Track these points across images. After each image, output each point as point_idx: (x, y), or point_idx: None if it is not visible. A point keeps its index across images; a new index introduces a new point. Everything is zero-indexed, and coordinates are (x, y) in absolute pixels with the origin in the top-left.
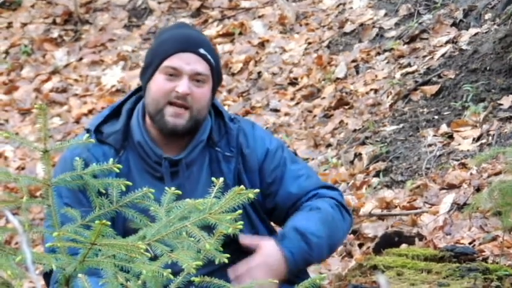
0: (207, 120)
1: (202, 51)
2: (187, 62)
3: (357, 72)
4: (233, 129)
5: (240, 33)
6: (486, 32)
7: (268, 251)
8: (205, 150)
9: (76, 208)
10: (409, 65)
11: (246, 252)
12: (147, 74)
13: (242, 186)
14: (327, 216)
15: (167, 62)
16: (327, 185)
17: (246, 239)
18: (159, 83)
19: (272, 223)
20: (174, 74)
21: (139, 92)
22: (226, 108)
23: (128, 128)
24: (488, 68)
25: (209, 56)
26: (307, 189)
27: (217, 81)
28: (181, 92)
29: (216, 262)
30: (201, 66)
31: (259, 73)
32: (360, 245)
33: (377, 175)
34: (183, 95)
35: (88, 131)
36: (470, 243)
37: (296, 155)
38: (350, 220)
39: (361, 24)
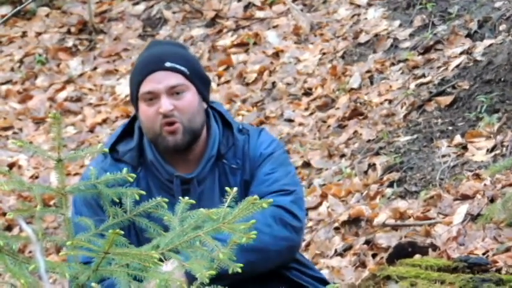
0: (214, 132)
1: (168, 64)
2: (158, 81)
3: (371, 83)
4: (239, 140)
5: (255, 43)
6: (501, 43)
7: None
8: (214, 164)
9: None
10: (423, 75)
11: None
12: (134, 105)
13: (256, 196)
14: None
15: (142, 89)
16: (284, 189)
17: None
18: (144, 112)
19: None
20: (152, 97)
21: None
22: (240, 118)
23: (141, 145)
24: (502, 79)
25: (178, 66)
26: (264, 194)
27: (200, 84)
28: (163, 111)
29: (230, 272)
30: (173, 79)
31: (273, 83)
32: (374, 255)
33: (391, 185)
34: (167, 113)
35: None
36: (483, 254)
37: (309, 165)
38: (293, 227)
39: (376, 35)
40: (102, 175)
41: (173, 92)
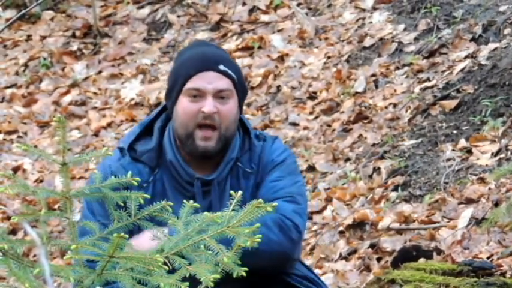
0: (236, 137)
1: (222, 67)
2: (209, 81)
3: (376, 87)
4: (257, 146)
5: (259, 47)
6: (505, 47)
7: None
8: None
9: (109, 224)
10: (428, 79)
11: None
12: (171, 97)
13: (260, 200)
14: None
15: (189, 84)
16: (288, 196)
17: None
18: (184, 107)
19: None
20: (198, 95)
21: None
22: None
23: (161, 147)
24: (507, 83)
25: (230, 72)
26: (268, 201)
27: (242, 94)
28: (207, 111)
29: (234, 276)
30: (223, 83)
31: (278, 87)
32: (378, 259)
33: (395, 189)
34: (210, 114)
35: (121, 149)
36: (488, 258)
37: (314, 169)
38: (291, 238)
39: (381, 39)
40: (120, 172)
41: (219, 95)
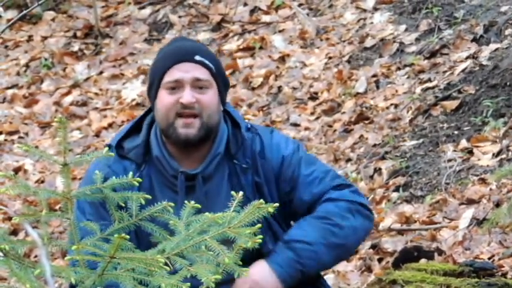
0: (222, 130)
1: (198, 58)
2: (185, 70)
3: (377, 87)
4: (247, 139)
5: (261, 48)
6: (506, 48)
7: (256, 270)
8: (224, 163)
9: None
10: (429, 80)
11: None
12: (152, 92)
13: (261, 200)
14: (324, 219)
15: (167, 78)
16: (339, 183)
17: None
18: (163, 99)
19: None
20: (176, 86)
21: None
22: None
23: (148, 143)
24: (508, 83)
25: (206, 61)
26: (319, 194)
27: (222, 84)
28: (185, 102)
29: (236, 276)
30: (200, 72)
31: (279, 87)
32: (379, 260)
33: (397, 190)
34: (188, 104)
35: (109, 146)
36: (489, 259)
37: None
38: (367, 215)
39: (382, 39)
40: (105, 171)
41: (197, 85)
